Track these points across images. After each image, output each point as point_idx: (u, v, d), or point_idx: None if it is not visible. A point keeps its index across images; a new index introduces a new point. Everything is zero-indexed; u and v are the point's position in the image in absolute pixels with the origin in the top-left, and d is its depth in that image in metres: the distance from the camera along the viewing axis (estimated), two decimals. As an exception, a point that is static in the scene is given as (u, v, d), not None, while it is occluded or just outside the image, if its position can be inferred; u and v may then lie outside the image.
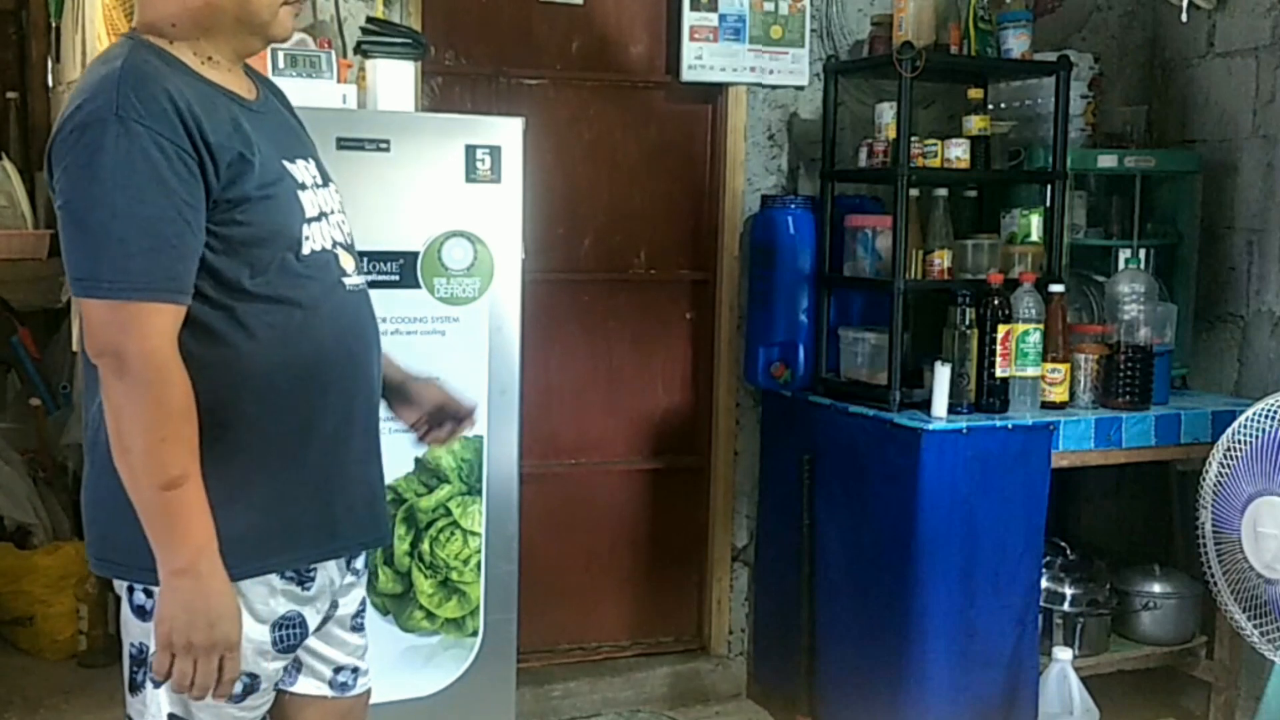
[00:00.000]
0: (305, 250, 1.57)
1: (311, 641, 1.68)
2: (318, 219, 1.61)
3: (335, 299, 1.61)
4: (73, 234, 1.44)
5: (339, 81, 2.47)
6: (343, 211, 1.70)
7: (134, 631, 1.57)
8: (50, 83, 4.15)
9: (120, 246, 1.41)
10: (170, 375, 1.43)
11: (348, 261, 1.66)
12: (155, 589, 1.51)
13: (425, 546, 2.51)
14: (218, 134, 1.48)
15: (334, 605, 1.70)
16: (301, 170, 1.62)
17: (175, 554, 1.44)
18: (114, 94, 1.43)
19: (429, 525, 2.51)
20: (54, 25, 3.85)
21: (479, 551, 2.54)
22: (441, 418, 1.85)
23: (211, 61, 1.56)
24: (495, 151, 2.49)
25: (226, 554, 1.48)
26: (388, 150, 2.41)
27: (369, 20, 2.63)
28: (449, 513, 2.52)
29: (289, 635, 1.60)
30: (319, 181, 1.66)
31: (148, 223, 1.41)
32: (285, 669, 1.67)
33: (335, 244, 1.64)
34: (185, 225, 1.44)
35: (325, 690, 1.73)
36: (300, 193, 1.59)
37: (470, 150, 2.48)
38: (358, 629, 1.77)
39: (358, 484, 1.66)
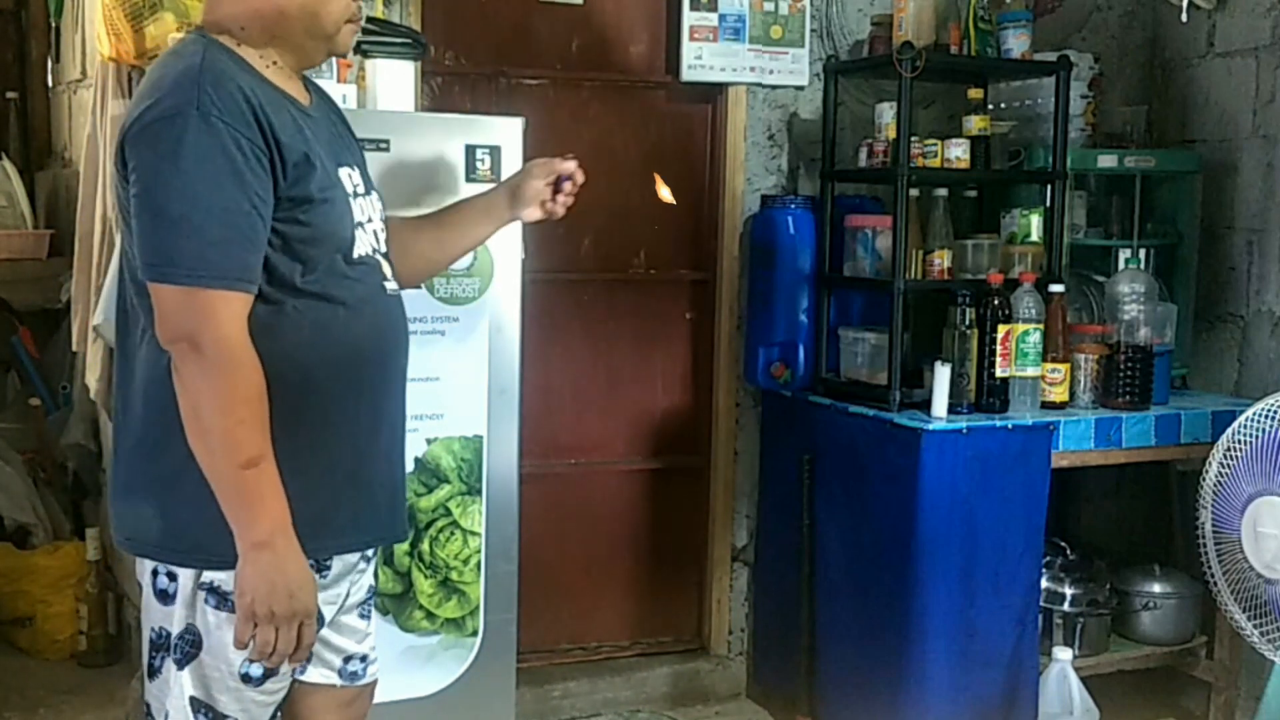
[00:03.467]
0: (355, 254, 1.63)
1: (324, 631, 1.71)
2: (362, 225, 1.67)
3: (378, 302, 1.68)
4: (149, 222, 1.49)
5: (339, 81, 2.47)
6: (382, 220, 1.76)
7: (155, 616, 1.61)
8: (50, 83, 4.15)
9: (198, 235, 1.47)
10: (244, 359, 1.49)
11: (387, 268, 1.73)
12: (178, 572, 1.57)
13: (425, 546, 2.51)
14: (286, 134, 1.54)
15: (346, 595, 1.73)
16: (348, 177, 1.67)
17: (255, 529, 1.50)
18: (194, 88, 1.49)
19: (429, 525, 2.51)
20: (54, 25, 3.86)
21: (479, 551, 2.54)
22: (558, 182, 1.99)
23: (275, 66, 1.62)
24: (495, 151, 2.49)
25: None
26: (388, 150, 2.41)
27: (369, 20, 2.62)
28: (449, 513, 2.52)
29: None
30: (362, 190, 1.71)
31: (224, 214, 1.48)
32: None
33: (375, 250, 1.70)
34: (258, 218, 1.51)
35: (335, 679, 1.77)
36: (351, 199, 1.65)
37: (470, 150, 2.48)
38: (365, 616, 1.81)
39: (382, 481, 1.71)
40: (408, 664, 2.50)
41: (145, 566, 1.62)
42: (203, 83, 1.49)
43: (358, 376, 1.63)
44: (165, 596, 1.59)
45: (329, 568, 1.65)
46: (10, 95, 4.43)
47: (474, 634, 2.55)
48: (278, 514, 1.51)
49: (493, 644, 2.56)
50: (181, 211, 1.46)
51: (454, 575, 2.53)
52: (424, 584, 2.51)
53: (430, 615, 2.52)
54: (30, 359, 3.97)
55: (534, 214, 2.00)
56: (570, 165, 1.98)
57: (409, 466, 2.47)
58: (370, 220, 1.71)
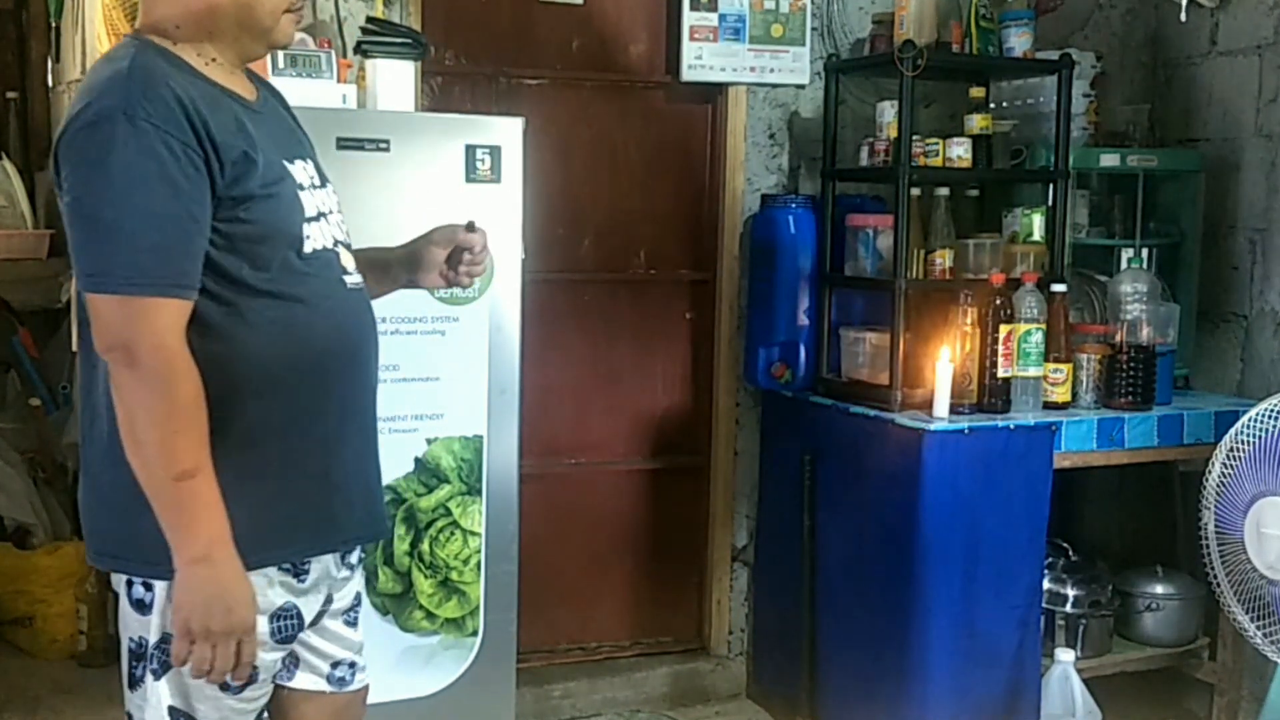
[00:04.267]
0: (307, 249, 1.59)
1: (308, 636, 1.70)
2: (317, 219, 1.63)
3: (336, 296, 1.63)
4: (82, 230, 1.46)
5: (339, 81, 2.47)
6: (340, 212, 1.72)
7: (133, 626, 1.59)
8: (50, 83, 4.15)
9: (130, 242, 1.43)
10: (180, 369, 1.45)
11: (348, 260, 1.69)
12: (154, 582, 1.54)
13: (425, 546, 2.50)
14: (223, 132, 1.50)
15: (329, 599, 1.71)
16: (300, 170, 1.64)
17: (190, 543, 1.47)
18: (122, 93, 1.45)
19: (429, 525, 2.50)
20: (54, 25, 3.85)
21: (479, 551, 2.54)
22: (458, 254, 1.84)
23: (215, 63, 1.59)
24: (495, 151, 2.49)
25: None
26: (388, 150, 2.41)
27: (369, 20, 2.63)
28: (449, 513, 2.51)
29: (286, 626, 1.62)
30: (317, 182, 1.68)
31: (156, 219, 1.44)
32: (284, 663, 1.69)
33: (336, 242, 1.67)
34: (193, 222, 1.47)
35: (323, 685, 1.75)
36: (300, 192, 1.62)
37: (470, 150, 2.47)
38: (352, 623, 1.78)
39: (355, 480, 1.68)
40: (408, 664, 2.50)
41: (121, 577, 1.59)
42: (130, 86, 1.46)
43: (321, 374, 1.60)
44: (142, 606, 1.56)
45: (307, 571, 1.63)
46: (10, 95, 4.42)
47: (474, 634, 2.55)
48: (215, 527, 1.47)
49: (493, 644, 2.56)
50: (112, 218, 1.43)
51: (454, 575, 2.52)
52: (424, 584, 2.50)
53: (430, 615, 2.52)
54: (30, 359, 3.97)
55: (435, 281, 1.88)
56: (473, 239, 1.83)
57: (409, 467, 2.47)
58: (331, 212, 1.67)
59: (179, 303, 1.46)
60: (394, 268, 1.86)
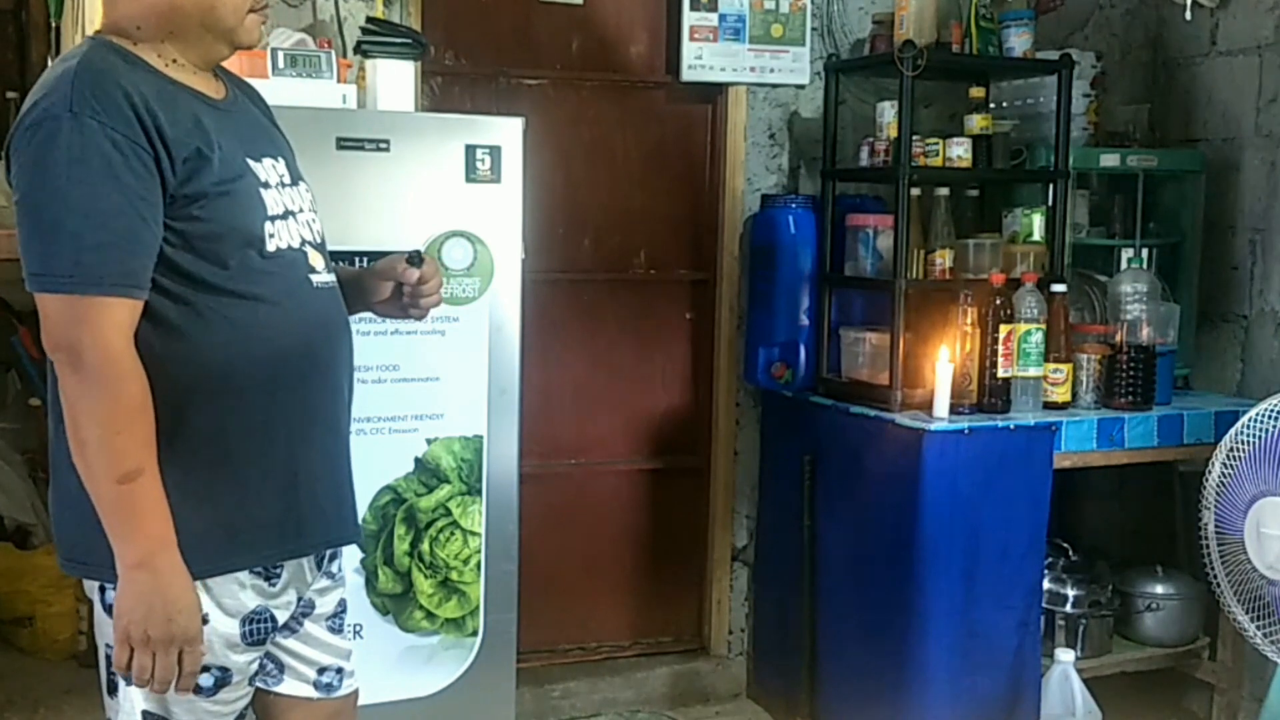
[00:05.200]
0: (270, 247, 1.57)
1: (292, 643, 1.68)
2: (283, 217, 1.61)
3: (301, 295, 1.60)
4: (28, 229, 1.45)
5: (339, 81, 2.47)
6: (313, 210, 1.69)
7: (107, 632, 1.56)
8: (50, 82, 4.14)
9: (73, 241, 1.41)
10: (125, 369, 1.43)
11: (317, 259, 1.65)
12: None
13: (425, 546, 2.50)
14: (175, 129, 1.48)
15: (309, 604, 1.69)
16: (268, 169, 1.61)
17: (131, 547, 1.45)
18: (69, 90, 1.44)
19: (429, 525, 2.50)
20: (54, 25, 3.85)
21: (479, 551, 2.53)
22: (400, 286, 1.79)
23: (176, 64, 1.56)
24: (495, 151, 2.48)
25: (189, 552, 1.48)
26: (387, 150, 2.40)
27: (369, 20, 2.63)
28: (449, 513, 2.51)
29: (257, 630, 1.60)
30: (286, 180, 1.65)
31: (101, 217, 1.42)
32: (266, 669, 1.67)
33: (305, 242, 1.64)
34: (140, 220, 1.44)
35: (310, 691, 1.73)
36: (263, 190, 1.58)
37: (470, 150, 2.47)
38: (337, 630, 1.76)
39: (324, 482, 1.65)
40: (408, 664, 2.50)
41: (93, 583, 1.57)
42: (77, 84, 1.43)
43: (285, 374, 1.57)
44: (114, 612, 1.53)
45: (279, 574, 1.61)
46: (10, 95, 4.42)
47: (474, 634, 2.55)
48: (157, 532, 1.44)
49: (493, 644, 2.55)
50: (56, 217, 1.41)
51: (454, 575, 2.52)
52: (424, 584, 2.50)
53: (430, 615, 2.52)
54: (30, 359, 3.97)
55: (388, 311, 1.85)
56: (409, 273, 1.76)
57: (409, 467, 2.47)
58: (300, 211, 1.65)
59: (127, 302, 1.44)
60: (349, 293, 1.79)
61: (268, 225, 1.57)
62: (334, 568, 1.74)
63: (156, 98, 1.48)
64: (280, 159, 1.66)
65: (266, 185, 1.60)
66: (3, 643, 3.56)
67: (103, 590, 1.55)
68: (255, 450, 1.56)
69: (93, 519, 1.47)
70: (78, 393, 1.43)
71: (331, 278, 1.69)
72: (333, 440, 1.67)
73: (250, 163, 1.59)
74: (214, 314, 1.51)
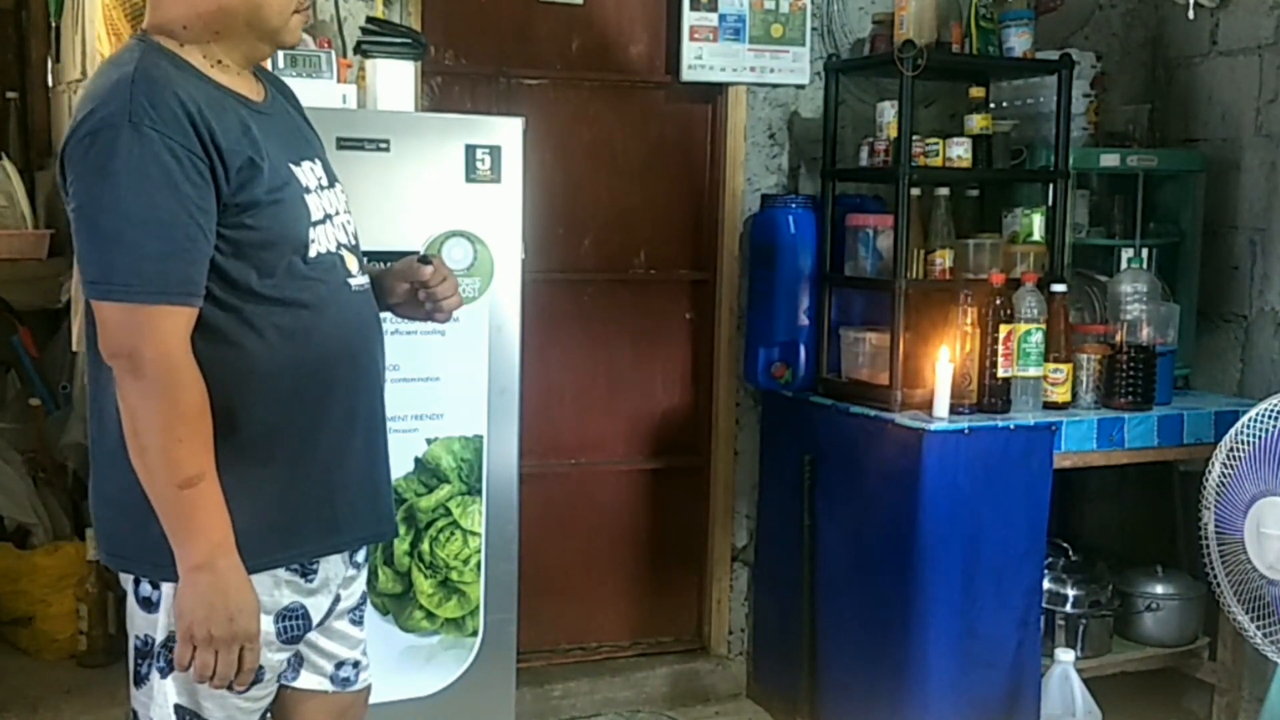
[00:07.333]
0: (312, 253, 1.59)
1: (313, 636, 1.70)
2: (323, 221, 1.63)
3: (341, 300, 1.64)
4: (87, 238, 1.47)
5: (339, 81, 2.47)
6: (348, 211, 1.72)
7: (139, 624, 1.59)
8: (50, 83, 4.14)
9: (133, 250, 1.44)
10: (185, 377, 1.46)
11: (352, 263, 1.69)
12: (162, 582, 1.54)
13: (425, 546, 2.50)
14: (228, 138, 1.50)
15: (336, 599, 1.72)
16: (308, 173, 1.64)
17: (193, 550, 1.48)
18: (127, 99, 1.45)
19: (429, 525, 2.50)
20: (54, 25, 3.85)
21: (479, 551, 2.54)
22: (419, 289, 1.80)
23: (221, 65, 1.58)
24: (495, 151, 2.49)
25: None
26: (388, 150, 2.41)
27: (369, 20, 2.63)
28: (449, 513, 2.51)
29: (293, 626, 1.63)
30: (324, 183, 1.67)
31: (161, 227, 1.44)
32: (289, 663, 1.69)
33: (340, 245, 1.67)
34: (197, 229, 1.47)
35: (327, 685, 1.76)
36: (306, 196, 1.61)
37: (470, 150, 2.47)
38: (357, 622, 1.79)
39: (361, 480, 1.69)
40: (408, 664, 2.50)
41: (128, 576, 1.60)
42: (135, 92, 1.45)
43: (327, 378, 1.60)
44: (149, 604, 1.57)
45: (315, 572, 1.64)
46: (10, 95, 4.42)
47: (474, 634, 2.55)
48: (218, 535, 1.48)
49: (493, 644, 2.56)
50: (116, 226, 1.43)
51: (454, 575, 2.52)
52: (424, 584, 2.50)
53: (430, 615, 2.52)
54: (30, 359, 3.97)
55: (408, 313, 1.87)
56: (423, 271, 1.78)
57: (409, 467, 2.47)
58: (337, 214, 1.67)
59: (184, 310, 1.47)
60: (377, 297, 1.80)
61: (311, 231, 1.60)
62: (358, 557, 1.76)
63: (209, 105, 1.50)
64: (317, 160, 1.68)
65: (308, 190, 1.62)
66: (2, 643, 3.56)
67: (137, 583, 1.58)
68: (297, 451, 1.59)
69: (132, 516, 1.51)
70: (138, 400, 1.46)
71: (365, 279, 1.71)
72: (370, 438, 1.71)
73: (293, 168, 1.61)
74: (259, 320, 1.54)
